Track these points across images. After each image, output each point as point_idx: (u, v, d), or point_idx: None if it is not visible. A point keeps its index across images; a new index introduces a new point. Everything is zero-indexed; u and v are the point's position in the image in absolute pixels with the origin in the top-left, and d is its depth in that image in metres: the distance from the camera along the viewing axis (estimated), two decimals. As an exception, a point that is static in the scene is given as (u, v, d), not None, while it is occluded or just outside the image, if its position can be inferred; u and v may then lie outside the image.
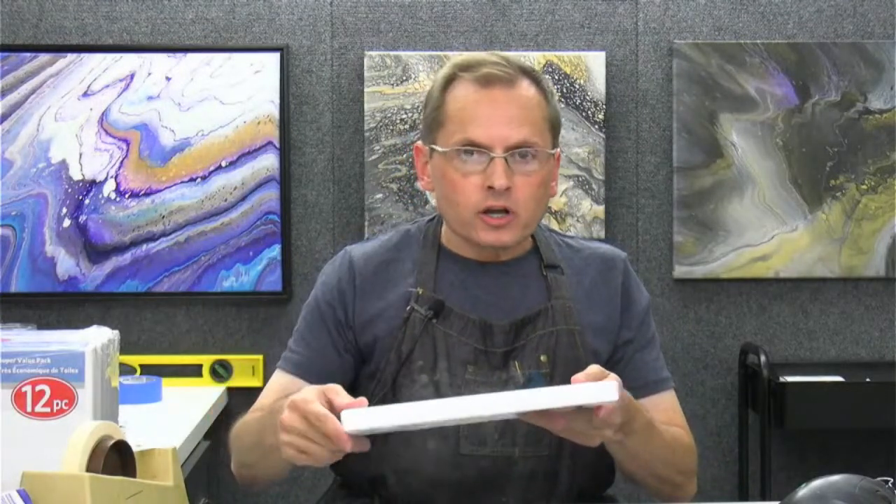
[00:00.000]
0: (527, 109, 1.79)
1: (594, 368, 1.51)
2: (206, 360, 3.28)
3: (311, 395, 1.48)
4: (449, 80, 1.82)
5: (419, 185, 1.90)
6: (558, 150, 1.87)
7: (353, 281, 1.86)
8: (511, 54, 1.93)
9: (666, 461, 1.77)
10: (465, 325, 1.80)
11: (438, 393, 1.75)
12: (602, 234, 3.25)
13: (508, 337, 1.81)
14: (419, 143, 1.88)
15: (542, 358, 1.79)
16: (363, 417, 1.42)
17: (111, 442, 1.36)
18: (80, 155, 3.23)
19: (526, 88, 1.80)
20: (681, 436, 1.83)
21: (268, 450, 1.63)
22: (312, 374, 1.82)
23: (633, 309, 1.89)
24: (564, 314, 1.82)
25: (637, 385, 1.82)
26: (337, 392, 1.48)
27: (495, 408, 1.42)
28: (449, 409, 1.43)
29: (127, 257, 3.25)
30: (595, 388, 1.44)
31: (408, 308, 1.82)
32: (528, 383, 1.76)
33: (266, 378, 3.26)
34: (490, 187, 1.75)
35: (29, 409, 1.45)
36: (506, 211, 1.78)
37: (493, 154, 1.76)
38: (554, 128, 1.84)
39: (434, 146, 1.82)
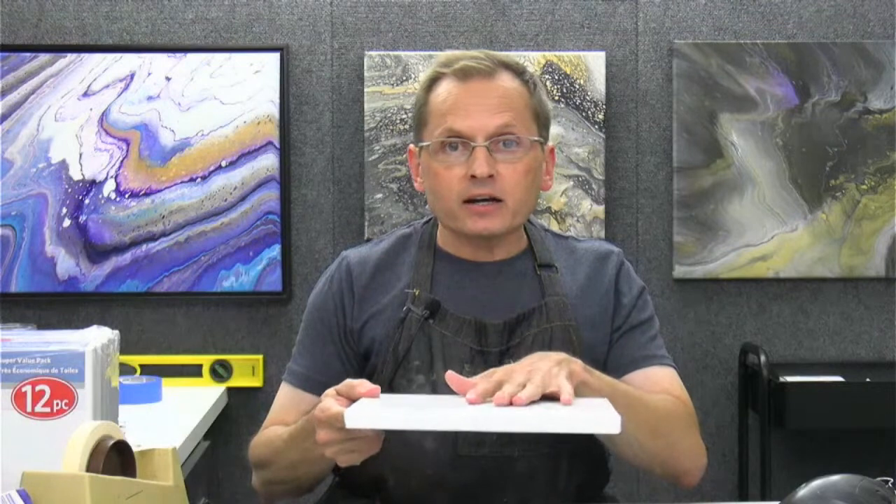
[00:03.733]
0: (507, 98, 1.80)
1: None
2: (206, 360, 3.28)
3: (329, 401, 1.53)
4: (432, 79, 1.85)
5: (415, 186, 1.91)
6: (550, 144, 1.88)
7: (352, 286, 1.87)
8: (506, 53, 1.93)
9: (640, 423, 1.68)
10: (460, 326, 1.81)
11: (436, 393, 1.75)
12: (602, 235, 3.25)
13: (503, 336, 1.81)
14: (411, 145, 1.89)
15: None
16: (361, 418, 1.45)
17: (111, 442, 1.36)
18: (80, 155, 3.23)
19: (506, 80, 1.82)
20: (663, 399, 1.76)
21: (307, 465, 1.73)
22: (318, 385, 1.82)
23: (623, 300, 1.88)
24: (559, 310, 1.83)
25: (623, 362, 1.82)
26: (352, 386, 1.54)
27: (493, 425, 1.46)
28: (452, 420, 1.45)
29: (127, 257, 3.25)
30: (597, 419, 1.45)
31: (404, 309, 1.82)
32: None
33: (266, 378, 3.27)
34: (473, 176, 1.76)
35: (29, 409, 1.44)
36: (492, 199, 1.78)
37: (474, 144, 1.77)
38: (539, 118, 1.84)
39: (421, 143, 1.84)
